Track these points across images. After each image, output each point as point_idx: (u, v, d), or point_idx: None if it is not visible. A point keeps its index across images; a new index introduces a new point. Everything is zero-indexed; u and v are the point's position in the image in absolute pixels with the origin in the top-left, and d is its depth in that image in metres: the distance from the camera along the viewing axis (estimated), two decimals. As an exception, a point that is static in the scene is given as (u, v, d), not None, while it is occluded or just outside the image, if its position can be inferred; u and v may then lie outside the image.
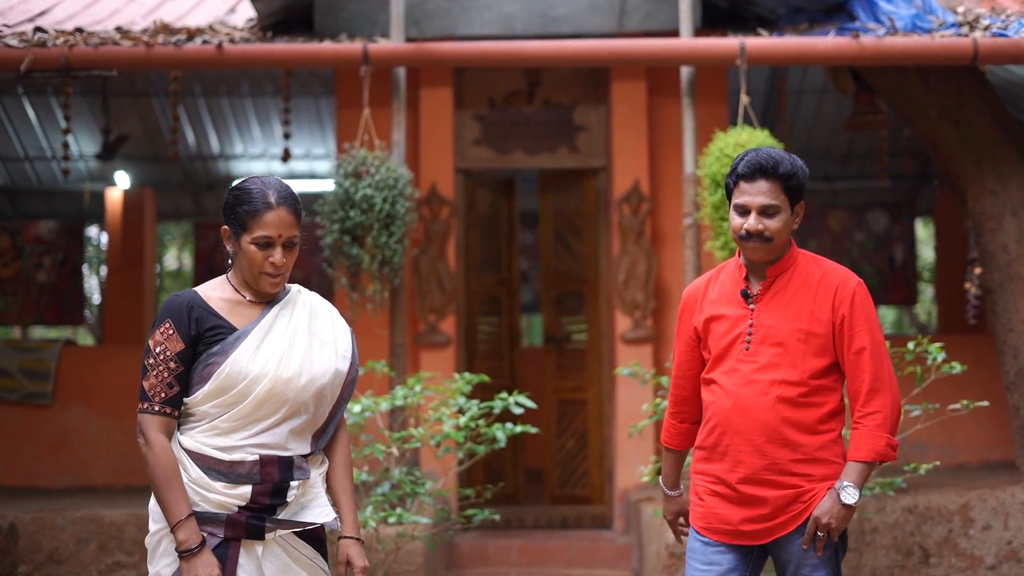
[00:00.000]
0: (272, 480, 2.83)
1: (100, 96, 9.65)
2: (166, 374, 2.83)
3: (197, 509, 2.81)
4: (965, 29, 6.44)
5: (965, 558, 6.23)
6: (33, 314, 11.68)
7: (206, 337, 2.86)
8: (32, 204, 12.20)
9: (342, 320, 3.10)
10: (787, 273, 3.20)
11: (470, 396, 5.54)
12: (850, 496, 3.05)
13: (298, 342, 2.92)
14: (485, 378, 5.64)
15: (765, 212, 3.12)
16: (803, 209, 3.23)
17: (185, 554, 2.75)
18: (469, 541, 7.20)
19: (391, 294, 6.54)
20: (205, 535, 2.79)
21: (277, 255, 2.88)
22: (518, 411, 5.30)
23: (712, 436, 3.20)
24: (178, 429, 2.88)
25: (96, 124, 10.41)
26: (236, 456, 2.82)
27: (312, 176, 11.39)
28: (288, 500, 2.86)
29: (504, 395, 5.37)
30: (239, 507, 2.81)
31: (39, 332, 17.21)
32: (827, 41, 6.46)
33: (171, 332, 2.85)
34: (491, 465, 7.67)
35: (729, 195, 3.23)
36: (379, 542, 5.47)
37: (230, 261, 3.00)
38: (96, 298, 16.31)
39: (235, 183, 2.98)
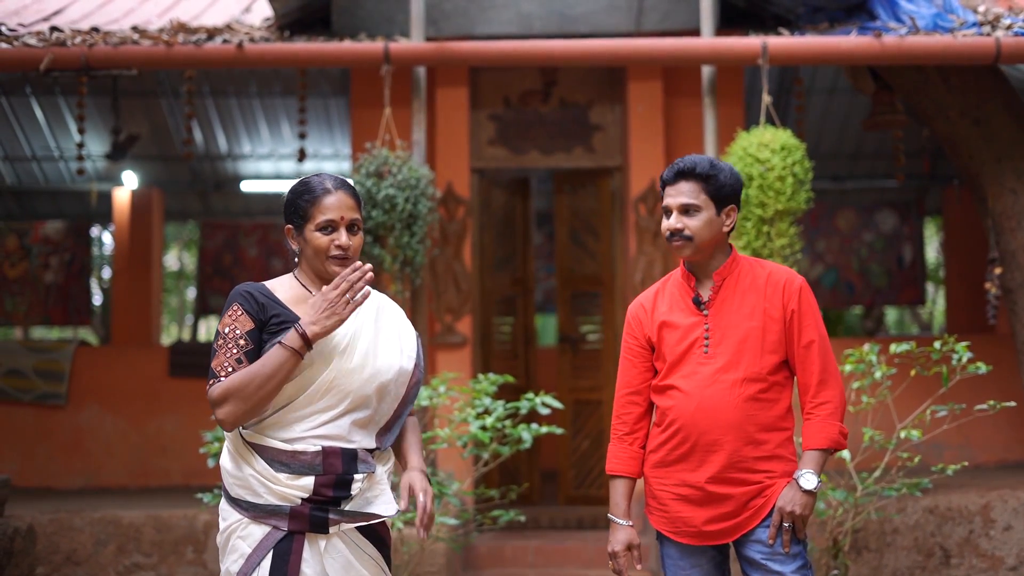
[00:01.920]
0: (335, 471, 2.82)
1: (109, 96, 9.60)
2: (235, 350, 2.83)
3: (260, 501, 2.81)
4: (987, 28, 6.44)
5: (986, 559, 6.22)
6: (40, 314, 11.64)
7: (270, 326, 2.87)
8: (39, 204, 12.16)
9: (408, 322, 3.12)
10: (733, 276, 3.31)
11: (492, 397, 5.53)
12: (809, 482, 3.14)
13: (363, 336, 2.93)
14: (511, 379, 5.62)
15: (685, 211, 3.26)
16: (734, 213, 3.32)
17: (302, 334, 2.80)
18: (486, 542, 7.18)
19: (412, 295, 6.52)
20: (270, 528, 2.81)
21: (342, 236, 2.91)
22: (544, 412, 5.29)
23: (675, 439, 3.24)
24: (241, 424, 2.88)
25: (104, 124, 10.36)
26: (298, 447, 2.82)
27: (320, 176, 11.33)
28: (352, 493, 2.84)
29: (531, 395, 5.35)
30: (302, 499, 2.80)
31: (41, 332, 17.19)
32: (849, 40, 6.45)
33: (240, 313, 2.87)
34: (507, 466, 7.63)
35: None
36: (404, 543, 5.45)
37: (296, 260, 3.01)
38: (98, 298, 16.26)
39: (293, 184, 3.02)
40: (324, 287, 2.85)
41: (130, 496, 7.50)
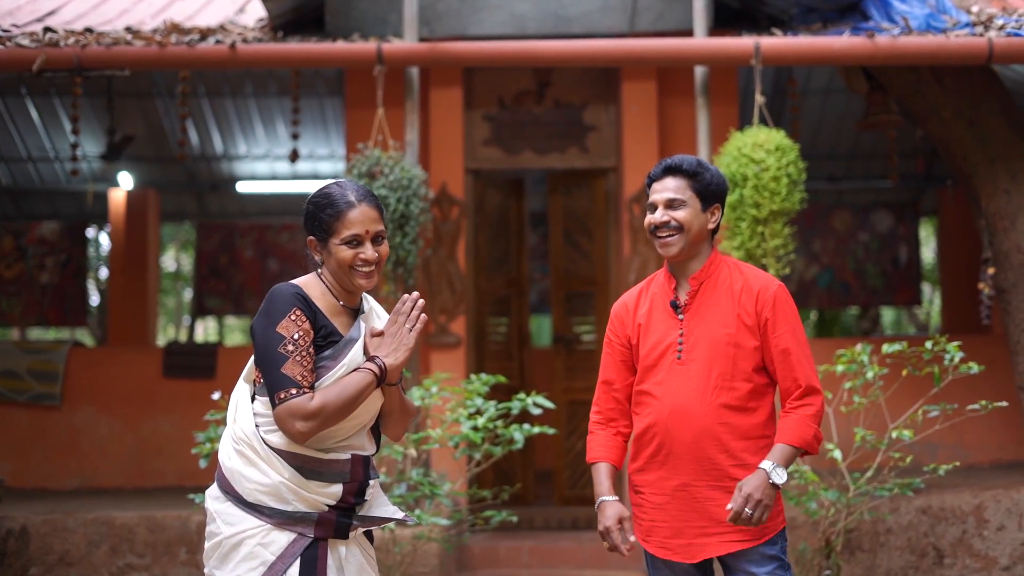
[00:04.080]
0: (358, 479, 2.90)
1: (104, 97, 9.61)
2: (308, 360, 2.82)
3: (288, 508, 2.81)
4: (979, 29, 6.44)
5: (979, 559, 6.22)
6: (36, 315, 11.64)
7: (317, 337, 2.87)
8: (35, 205, 12.16)
9: None
10: (711, 280, 3.31)
11: (485, 397, 5.53)
12: (779, 476, 3.13)
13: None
14: (503, 379, 5.62)
15: (671, 205, 3.30)
16: (719, 212, 3.36)
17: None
18: (480, 542, 7.18)
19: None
20: (295, 535, 2.82)
21: (368, 250, 2.90)
22: (536, 412, 5.29)
23: (651, 446, 3.26)
24: (260, 428, 2.86)
25: (100, 125, 10.37)
26: (331, 455, 2.86)
27: (316, 177, 11.33)
28: (367, 498, 2.93)
29: (523, 396, 5.35)
30: (329, 506, 2.84)
31: (37, 333, 17.17)
32: (842, 41, 6.45)
33: (304, 320, 2.85)
34: (501, 466, 7.63)
35: None
36: (396, 544, 5.45)
37: (320, 270, 3.00)
38: (94, 299, 16.25)
39: (312, 193, 2.99)
40: (388, 323, 2.90)
41: (125, 497, 7.49)
